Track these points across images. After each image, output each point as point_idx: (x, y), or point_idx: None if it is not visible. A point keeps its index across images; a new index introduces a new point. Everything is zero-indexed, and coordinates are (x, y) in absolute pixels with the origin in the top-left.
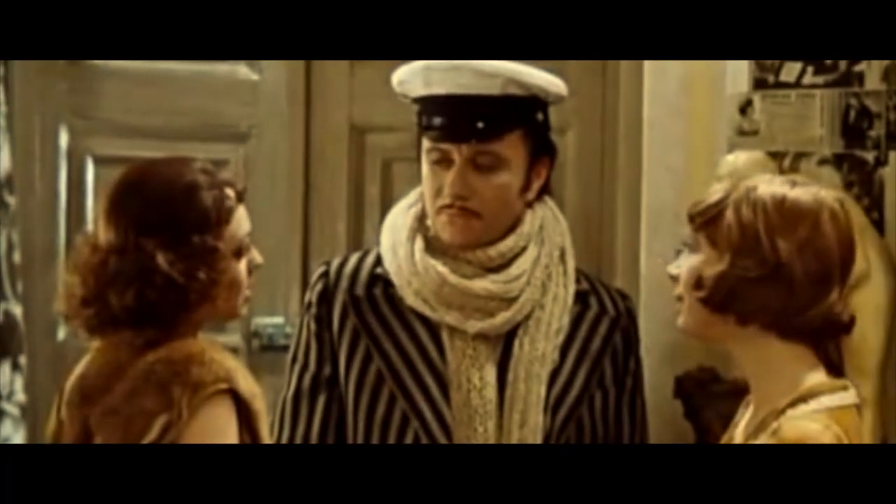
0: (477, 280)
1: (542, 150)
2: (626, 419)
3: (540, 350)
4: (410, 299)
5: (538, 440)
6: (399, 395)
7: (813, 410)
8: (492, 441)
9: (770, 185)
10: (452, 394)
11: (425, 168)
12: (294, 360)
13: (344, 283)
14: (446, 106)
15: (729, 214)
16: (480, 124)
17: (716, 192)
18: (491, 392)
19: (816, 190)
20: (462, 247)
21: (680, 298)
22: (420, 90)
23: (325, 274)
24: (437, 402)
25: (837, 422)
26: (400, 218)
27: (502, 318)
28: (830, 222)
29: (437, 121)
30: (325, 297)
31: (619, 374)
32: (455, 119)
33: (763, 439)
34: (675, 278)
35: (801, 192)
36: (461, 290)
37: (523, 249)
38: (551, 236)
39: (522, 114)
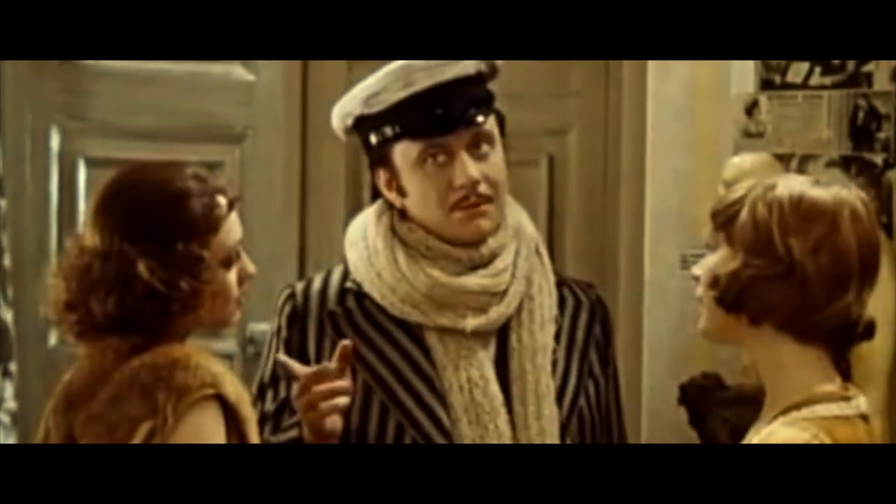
0: (468, 277)
1: (502, 123)
2: (612, 410)
3: (539, 341)
4: (396, 307)
5: (556, 430)
6: (391, 405)
7: (804, 418)
8: (506, 436)
9: (789, 184)
10: (454, 396)
11: (422, 173)
12: (261, 386)
13: (314, 303)
14: (436, 98)
15: (745, 213)
16: (474, 106)
17: (736, 191)
18: (495, 388)
19: (838, 189)
20: (483, 236)
21: (701, 300)
22: (400, 93)
23: (292, 296)
24: (433, 407)
25: (829, 432)
26: (371, 229)
27: (496, 312)
28: (851, 222)
29: (429, 117)
30: (295, 320)
31: (603, 364)
32: (451, 107)
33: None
34: (697, 279)
35: (821, 191)
36: (455, 289)
37: (506, 245)
38: (526, 231)
39: (488, 89)
